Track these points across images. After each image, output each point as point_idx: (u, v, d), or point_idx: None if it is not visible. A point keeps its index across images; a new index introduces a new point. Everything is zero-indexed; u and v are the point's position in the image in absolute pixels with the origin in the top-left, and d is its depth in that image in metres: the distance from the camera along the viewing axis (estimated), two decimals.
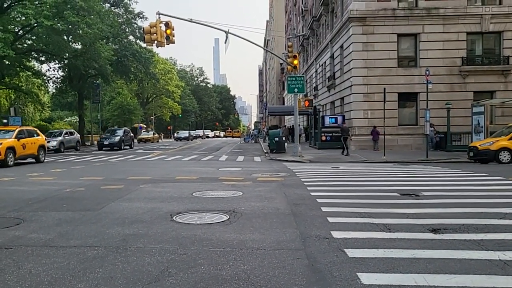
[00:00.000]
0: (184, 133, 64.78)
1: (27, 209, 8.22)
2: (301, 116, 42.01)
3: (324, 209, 7.72)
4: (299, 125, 27.96)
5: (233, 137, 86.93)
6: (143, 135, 56.29)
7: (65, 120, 62.07)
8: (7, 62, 32.94)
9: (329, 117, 29.45)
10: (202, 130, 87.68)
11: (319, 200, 8.64)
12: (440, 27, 25.46)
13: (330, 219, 6.83)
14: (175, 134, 67.22)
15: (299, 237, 5.86)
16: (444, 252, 5.03)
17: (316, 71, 40.85)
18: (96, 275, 4.46)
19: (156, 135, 58.87)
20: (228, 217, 7.17)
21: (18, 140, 19.35)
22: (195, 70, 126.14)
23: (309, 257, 4.93)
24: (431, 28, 25.46)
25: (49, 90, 50.62)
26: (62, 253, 5.23)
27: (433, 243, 5.46)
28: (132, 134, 36.06)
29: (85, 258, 5.01)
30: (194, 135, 75.23)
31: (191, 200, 9.01)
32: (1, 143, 18.15)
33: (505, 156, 17.00)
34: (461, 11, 25.32)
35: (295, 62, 23.49)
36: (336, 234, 5.89)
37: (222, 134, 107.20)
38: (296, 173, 14.51)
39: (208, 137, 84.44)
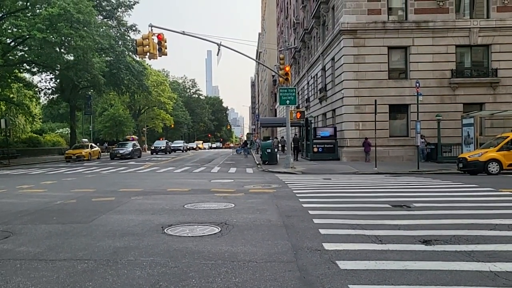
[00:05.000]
0: (127, 147, 40.02)
1: (16, 222, 8.12)
2: (293, 128, 42.14)
3: (316, 220, 7.72)
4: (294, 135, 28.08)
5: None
6: (73, 148, 38.02)
7: (56, 131, 61.67)
8: None
9: (321, 131, 29.46)
10: (165, 141, 59.51)
11: (311, 212, 8.64)
12: (429, 40, 25.84)
13: (322, 231, 6.83)
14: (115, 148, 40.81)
15: (291, 249, 5.85)
16: (435, 264, 5.05)
17: (308, 83, 41.13)
18: None
19: (96, 148, 40.40)
20: (219, 229, 7.14)
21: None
22: (188, 82, 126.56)
23: (301, 269, 4.92)
24: (420, 41, 25.83)
25: (41, 101, 50.42)
26: (51, 267, 5.17)
27: (424, 254, 5.48)
28: None
29: (74, 272, 4.95)
30: (155, 147, 53.29)
31: (182, 212, 8.96)
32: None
33: (494, 167, 17.15)
34: (450, 25, 25.75)
35: (287, 74, 23.63)
36: (327, 246, 5.89)
37: (207, 145, 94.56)
38: (288, 184, 14.51)
39: (180, 149, 60.56)
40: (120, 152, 38.33)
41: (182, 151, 60.14)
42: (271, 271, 4.88)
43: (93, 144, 41.24)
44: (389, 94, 25.74)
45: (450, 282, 4.44)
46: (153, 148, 53.59)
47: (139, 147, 43.63)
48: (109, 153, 41.54)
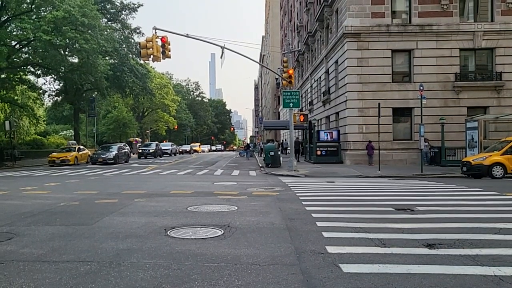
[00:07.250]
0: (111, 150, 34.52)
1: (20, 223, 8.14)
2: (296, 131, 42.14)
3: (319, 223, 7.70)
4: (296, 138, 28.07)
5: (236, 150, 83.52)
6: (58, 151, 34.74)
7: (60, 133, 61.86)
8: (2, 76, 33.01)
9: (324, 132, 29.52)
10: (155, 143, 51.82)
11: (314, 215, 8.62)
12: (433, 43, 25.80)
13: (325, 234, 6.81)
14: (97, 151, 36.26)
15: (294, 252, 5.83)
16: (439, 268, 5.02)
17: (311, 86, 41.12)
18: None
19: (85, 151, 35.96)
20: (222, 231, 7.13)
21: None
22: (191, 85, 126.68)
23: (304, 273, 4.90)
24: (424, 44, 25.79)
25: (45, 103, 50.60)
26: (54, 268, 5.17)
27: (428, 258, 5.45)
28: None
29: (77, 274, 4.95)
30: (142, 150, 46.20)
31: (185, 214, 8.96)
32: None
33: (498, 171, 17.07)
34: (454, 28, 25.69)
35: (290, 77, 23.64)
36: (331, 249, 5.87)
37: (206, 147, 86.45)
38: (291, 187, 14.49)
39: (167, 153, 51.39)
40: (102, 156, 32.67)
41: (170, 155, 52.15)
42: (274, 274, 4.87)
43: (81, 147, 36.91)
44: (392, 98, 25.70)
45: (454, 286, 4.41)
46: (140, 151, 46.29)
47: (126, 150, 37.25)
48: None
